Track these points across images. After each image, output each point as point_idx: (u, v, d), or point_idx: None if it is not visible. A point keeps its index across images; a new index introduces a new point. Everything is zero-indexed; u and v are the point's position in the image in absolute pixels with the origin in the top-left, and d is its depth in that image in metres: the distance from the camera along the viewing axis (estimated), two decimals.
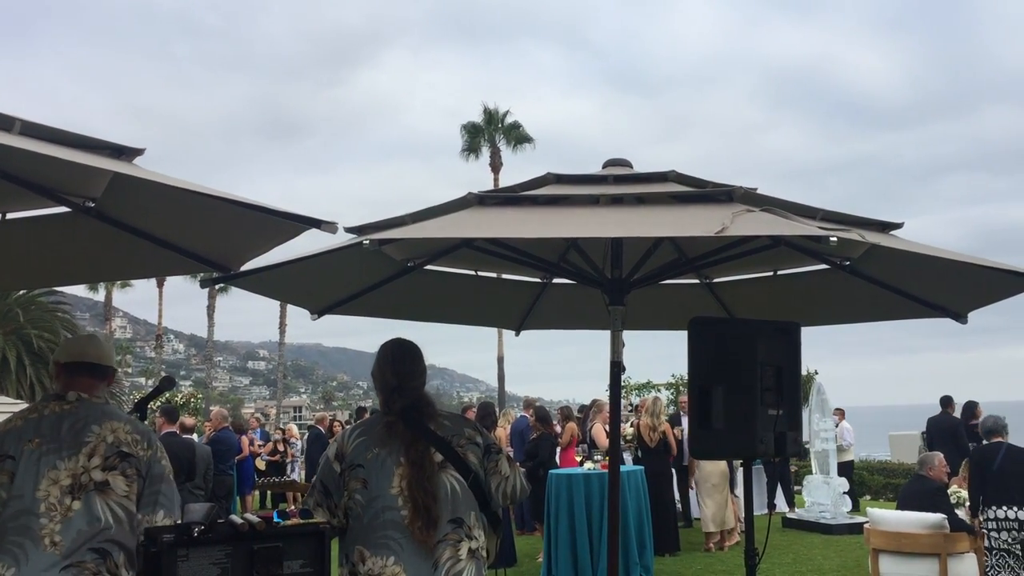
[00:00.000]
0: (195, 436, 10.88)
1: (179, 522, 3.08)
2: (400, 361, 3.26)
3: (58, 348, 3.29)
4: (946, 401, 13.20)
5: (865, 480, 17.38)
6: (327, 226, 3.17)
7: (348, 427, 3.21)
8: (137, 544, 2.98)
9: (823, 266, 4.75)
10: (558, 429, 11.45)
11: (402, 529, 2.98)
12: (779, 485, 13.72)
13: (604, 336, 4.58)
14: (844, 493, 11.98)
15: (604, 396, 10.79)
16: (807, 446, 12.48)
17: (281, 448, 16.68)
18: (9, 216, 3.85)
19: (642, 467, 9.73)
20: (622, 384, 9.82)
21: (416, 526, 2.97)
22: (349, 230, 3.82)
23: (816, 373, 19.52)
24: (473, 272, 5.23)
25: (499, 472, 3.22)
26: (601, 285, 4.54)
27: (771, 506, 13.26)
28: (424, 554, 2.98)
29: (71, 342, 3.31)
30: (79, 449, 2.94)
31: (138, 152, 3.08)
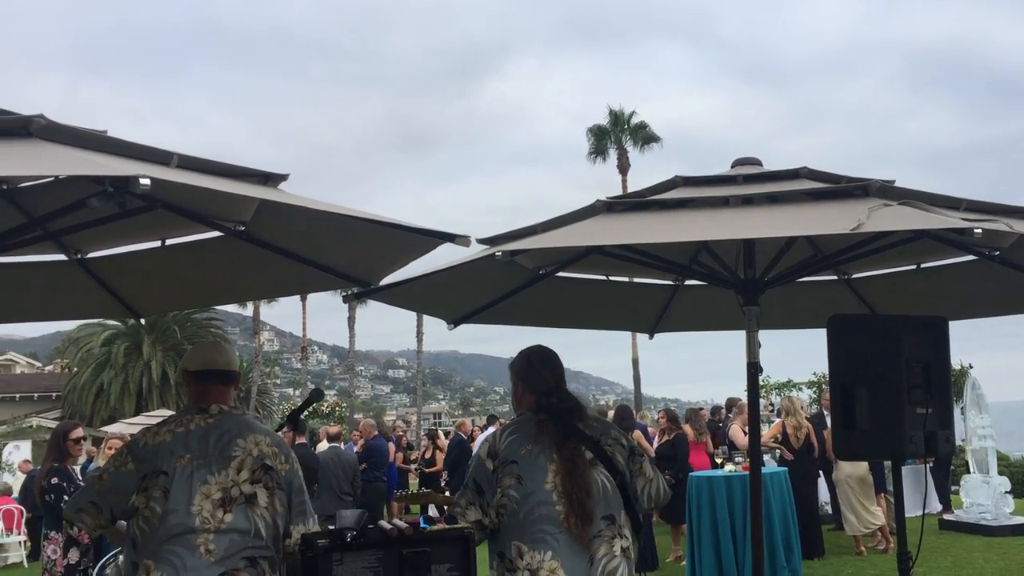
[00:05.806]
0: (341, 444, 11.25)
1: (331, 528, 3.24)
2: (555, 365, 3.39)
3: (185, 356, 3.47)
4: None
5: None
6: (460, 240, 3.27)
7: (498, 428, 3.33)
8: (281, 553, 3.16)
9: (970, 257, 4.55)
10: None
11: (557, 524, 3.05)
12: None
13: (740, 335, 4.52)
14: (1006, 493, 11.33)
15: (742, 396, 10.59)
16: (962, 443, 11.86)
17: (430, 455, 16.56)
18: (168, 242, 4.12)
19: (785, 468, 9.50)
20: (761, 384, 9.56)
21: (571, 521, 3.04)
22: (482, 242, 3.91)
23: (971, 367, 18.48)
24: (604, 277, 5.24)
25: (644, 474, 3.29)
26: (734, 286, 4.48)
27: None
28: (579, 549, 3.04)
29: (198, 349, 3.51)
30: (227, 463, 3.11)
31: (282, 178, 3.26)
